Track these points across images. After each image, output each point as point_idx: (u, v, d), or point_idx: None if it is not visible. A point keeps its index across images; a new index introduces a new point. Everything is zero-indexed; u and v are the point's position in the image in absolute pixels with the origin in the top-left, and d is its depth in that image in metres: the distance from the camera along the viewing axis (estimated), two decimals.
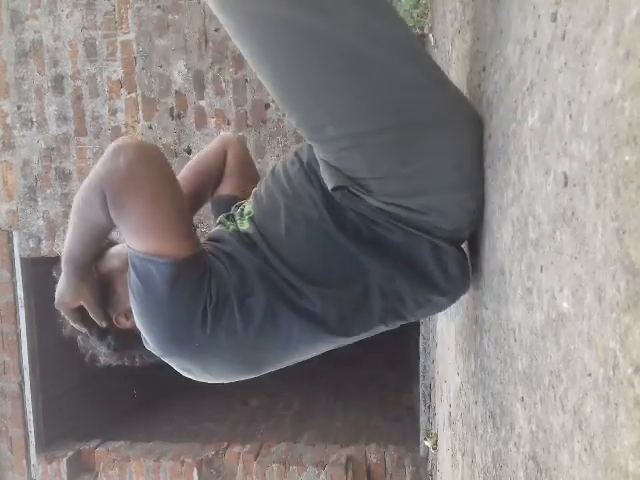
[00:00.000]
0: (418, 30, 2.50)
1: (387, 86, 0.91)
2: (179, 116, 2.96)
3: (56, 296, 1.02)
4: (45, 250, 3.13)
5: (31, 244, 3.13)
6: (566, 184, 0.58)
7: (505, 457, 0.86)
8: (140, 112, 3.00)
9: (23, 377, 3.25)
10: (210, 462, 3.07)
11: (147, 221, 0.91)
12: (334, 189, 0.97)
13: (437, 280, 1.02)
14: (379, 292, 1.01)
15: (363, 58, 0.91)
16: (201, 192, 1.26)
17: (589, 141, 0.52)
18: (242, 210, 1.10)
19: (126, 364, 1.13)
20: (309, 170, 1.03)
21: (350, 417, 3.79)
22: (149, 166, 0.91)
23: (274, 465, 2.96)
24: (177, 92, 2.96)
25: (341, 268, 1.00)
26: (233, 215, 1.12)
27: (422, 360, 2.82)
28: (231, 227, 1.07)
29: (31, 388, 3.26)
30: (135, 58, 2.98)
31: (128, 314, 1.03)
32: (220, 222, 1.13)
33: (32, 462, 3.26)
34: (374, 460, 2.96)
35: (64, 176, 3.09)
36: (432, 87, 0.96)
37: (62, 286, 1.00)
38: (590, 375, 0.52)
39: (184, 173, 1.25)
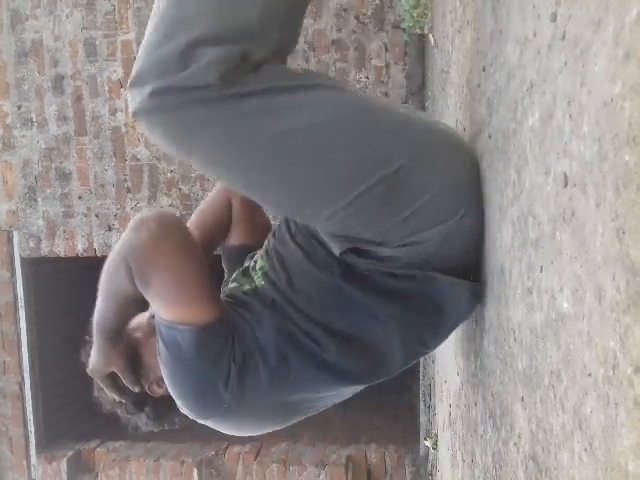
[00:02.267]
0: (418, 30, 2.51)
1: (356, 153, 0.93)
2: None
3: (89, 363, 1.05)
4: (45, 250, 3.13)
5: (31, 244, 3.13)
6: (566, 184, 0.58)
7: (505, 457, 0.86)
8: None
9: (23, 377, 3.25)
10: (210, 462, 3.07)
11: (171, 291, 0.95)
12: (341, 254, 1.00)
13: (456, 318, 1.05)
14: (400, 342, 1.03)
15: (322, 143, 0.92)
16: (210, 245, 1.27)
17: (589, 141, 0.52)
18: (255, 263, 1.12)
19: (167, 428, 1.16)
20: (305, 229, 1.06)
21: (350, 417, 3.79)
22: (170, 239, 0.95)
23: (274, 465, 2.96)
24: None
25: (360, 322, 1.02)
26: (248, 269, 1.14)
27: (422, 360, 2.82)
28: (246, 286, 1.09)
29: (31, 388, 3.26)
30: (135, 58, 2.98)
31: (160, 382, 1.05)
32: (235, 279, 1.15)
33: (32, 462, 3.26)
34: (374, 460, 2.96)
35: (64, 176, 3.09)
36: (397, 133, 0.97)
37: (94, 353, 1.03)
38: (590, 375, 0.52)
39: (191, 227, 1.25)
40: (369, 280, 1.01)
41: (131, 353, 1.05)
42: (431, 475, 2.70)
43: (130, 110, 0.91)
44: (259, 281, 1.08)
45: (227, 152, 0.91)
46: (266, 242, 1.15)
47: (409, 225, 0.96)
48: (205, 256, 1.19)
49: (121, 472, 3.15)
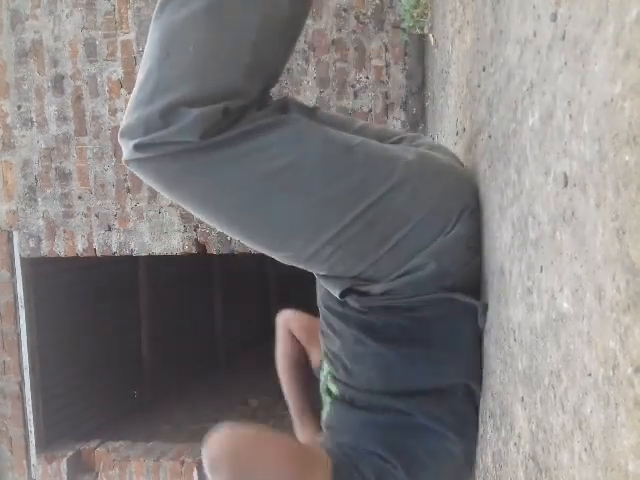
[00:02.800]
0: (418, 30, 2.51)
1: (334, 188, 0.94)
2: None
3: None
4: (45, 250, 3.13)
5: (31, 244, 3.13)
6: (566, 184, 0.58)
7: (505, 457, 0.86)
8: None
9: (23, 377, 3.25)
10: None
11: None
12: (341, 295, 1.02)
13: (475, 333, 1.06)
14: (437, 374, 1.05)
15: (301, 179, 0.93)
16: (304, 382, 1.34)
17: (589, 141, 0.52)
18: (323, 369, 1.18)
19: None
20: (331, 312, 1.10)
21: None
22: (244, 463, 0.94)
23: None
24: None
25: (411, 377, 1.04)
26: (324, 385, 1.18)
27: None
28: (328, 407, 1.14)
29: (31, 388, 3.26)
30: (135, 58, 2.98)
31: None
32: (321, 404, 1.20)
33: (32, 462, 3.26)
34: None
35: (64, 176, 3.09)
36: (376, 162, 0.98)
37: None
38: (590, 375, 0.52)
39: (282, 378, 1.37)
40: (386, 329, 1.04)
41: None
42: None
43: (122, 159, 0.94)
44: (332, 386, 1.12)
45: (210, 197, 0.95)
46: (321, 345, 1.20)
47: (397, 255, 0.97)
48: (307, 391, 1.27)
49: (121, 472, 3.15)
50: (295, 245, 0.98)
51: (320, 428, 1.24)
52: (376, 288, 1.01)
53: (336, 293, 1.03)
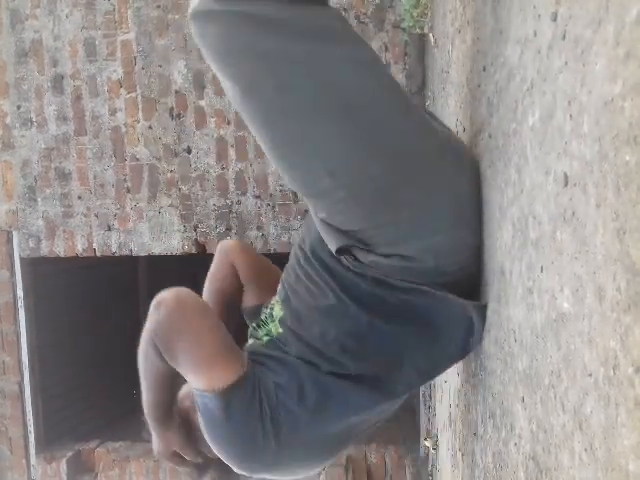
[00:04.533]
0: (418, 30, 2.50)
1: (379, 134, 0.93)
2: (179, 116, 2.96)
3: (154, 449, 1.13)
4: (45, 250, 3.13)
5: (31, 244, 3.13)
6: (566, 184, 0.58)
7: (505, 457, 0.86)
8: (140, 112, 3.00)
9: (23, 377, 3.25)
10: None
11: (193, 358, 1.00)
12: (338, 251, 1.01)
13: (453, 339, 1.06)
14: (413, 367, 1.06)
15: (358, 106, 0.92)
16: (228, 312, 1.29)
17: (589, 141, 0.51)
18: (272, 311, 1.15)
19: None
20: (316, 259, 1.08)
21: None
22: (184, 310, 1.01)
23: None
24: (177, 92, 2.96)
25: (374, 345, 1.04)
26: (264, 321, 1.17)
27: None
28: (265, 338, 1.13)
29: (31, 388, 3.26)
30: (135, 58, 2.98)
31: None
32: (252, 335, 1.19)
33: (32, 462, 3.26)
34: (374, 460, 2.96)
35: (64, 176, 3.08)
36: (421, 134, 0.98)
37: (153, 439, 1.11)
38: (590, 375, 0.52)
39: (205, 299, 1.30)
40: (372, 297, 1.02)
41: (186, 423, 1.10)
42: (431, 475, 2.70)
43: (189, 10, 0.87)
44: (275, 329, 1.12)
45: (265, 84, 0.90)
46: (279, 288, 1.18)
47: (400, 229, 0.97)
48: (227, 324, 1.24)
49: (121, 472, 3.14)
50: (314, 171, 0.95)
51: None
52: (367, 257, 0.99)
53: (332, 247, 1.01)
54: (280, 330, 1.10)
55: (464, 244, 1.01)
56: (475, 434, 1.15)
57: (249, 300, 1.30)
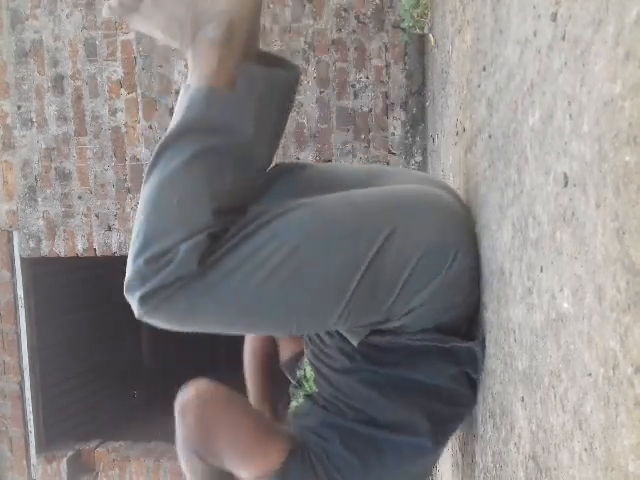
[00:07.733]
0: (418, 30, 2.51)
1: (333, 261, 0.93)
2: None
3: None
4: (45, 250, 3.13)
5: (31, 244, 3.13)
6: (566, 184, 0.58)
7: (505, 457, 0.86)
8: (140, 112, 3.00)
9: (23, 377, 3.25)
10: None
11: (236, 455, 1.03)
12: (360, 343, 1.04)
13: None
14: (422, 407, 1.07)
15: (299, 267, 0.91)
16: (272, 375, 1.34)
17: (589, 141, 0.52)
18: (304, 372, 1.18)
19: None
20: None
21: None
22: (211, 411, 1.02)
23: None
24: (177, 92, 2.96)
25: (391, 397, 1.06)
26: (300, 380, 1.20)
27: None
28: (300, 399, 1.16)
29: (31, 388, 3.26)
30: (135, 58, 2.98)
31: None
32: (294, 395, 1.22)
33: (32, 462, 3.26)
34: None
35: (64, 176, 3.09)
36: (359, 227, 0.96)
37: None
38: (590, 375, 0.52)
39: (247, 375, 1.37)
40: (392, 354, 1.05)
41: None
42: (431, 475, 2.70)
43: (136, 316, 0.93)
44: (311, 389, 1.14)
45: (228, 312, 0.93)
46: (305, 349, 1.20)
47: (402, 297, 0.97)
48: (274, 389, 1.27)
49: (121, 472, 3.15)
50: (312, 325, 0.99)
51: (277, 419, 1.26)
52: (389, 326, 1.01)
53: (354, 342, 1.04)
54: (316, 390, 1.13)
55: (461, 269, 1.01)
56: (475, 434, 1.15)
57: (285, 353, 1.32)
